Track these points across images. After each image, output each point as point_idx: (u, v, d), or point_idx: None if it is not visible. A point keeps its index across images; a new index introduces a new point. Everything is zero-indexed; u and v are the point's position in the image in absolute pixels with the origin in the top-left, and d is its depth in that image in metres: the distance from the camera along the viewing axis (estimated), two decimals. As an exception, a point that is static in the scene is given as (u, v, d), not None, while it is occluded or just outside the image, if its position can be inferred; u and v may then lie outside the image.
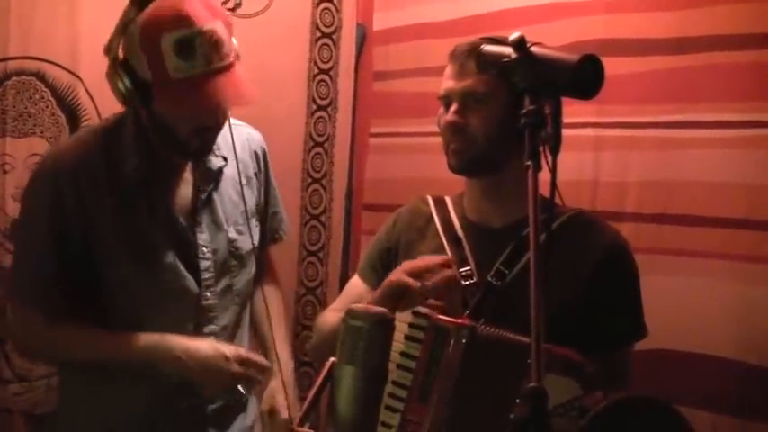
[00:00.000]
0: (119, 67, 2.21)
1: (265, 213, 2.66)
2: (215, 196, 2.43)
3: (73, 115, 3.22)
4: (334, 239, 3.83)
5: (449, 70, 2.19)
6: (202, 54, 2.13)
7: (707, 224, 2.67)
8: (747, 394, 2.59)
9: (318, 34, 3.74)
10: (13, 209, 3.14)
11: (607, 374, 2.03)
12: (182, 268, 2.36)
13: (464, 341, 1.98)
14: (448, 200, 2.35)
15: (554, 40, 2.64)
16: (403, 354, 2.04)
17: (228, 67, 2.20)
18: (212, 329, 2.43)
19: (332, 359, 1.86)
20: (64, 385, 2.54)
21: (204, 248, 2.40)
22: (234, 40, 2.26)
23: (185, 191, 2.40)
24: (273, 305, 2.65)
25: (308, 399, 1.86)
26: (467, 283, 2.16)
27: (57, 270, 2.29)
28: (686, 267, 2.71)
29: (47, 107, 3.18)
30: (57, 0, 3.19)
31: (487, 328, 1.99)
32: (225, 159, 2.45)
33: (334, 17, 3.77)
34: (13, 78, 3.13)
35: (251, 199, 2.55)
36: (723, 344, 2.63)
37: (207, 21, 2.15)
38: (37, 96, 3.17)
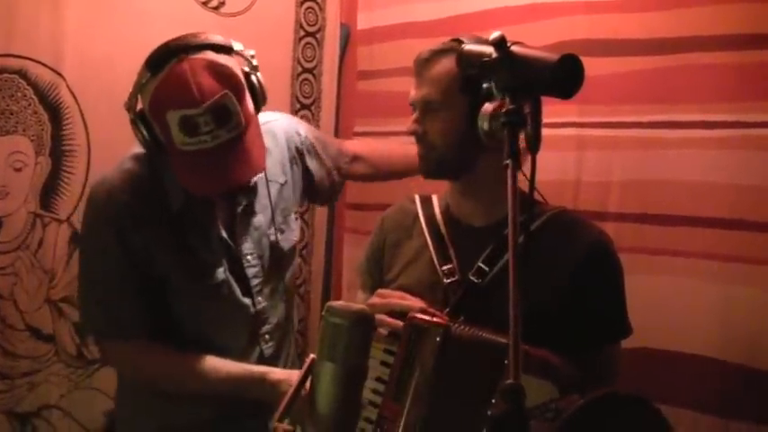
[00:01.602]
0: (139, 120, 2.26)
1: (328, 172, 2.77)
2: (254, 203, 2.48)
3: (55, 113, 3.21)
4: (318, 238, 3.83)
5: (413, 78, 2.23)
6: (207, 131, 2.15)
7: (689, 224, 2.68)
8: (729, 393, 2.60)
9: (302, 33, 3.74)
10: (-4, 206, 3.15)
11: (594, 374, 2.05)
12: (233, 282, 2.43)
13: (438, 340, 1.99)
14: (434, 198, 2.37)
15: (536, 40, 2.62)
16: (386, 351, 2.05)
17: (236, 138, 2.21)
18: (267, 329, 2.53)
19: (312, 356, 1.87)
20: (123, 385, 2.62)
21: (249, 257, 2.46)
22: (255, 88, 2.29)
23: (225, 205, 2.44)
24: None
25: (288, 395, 1.87)
26: (449, 281, 2.17)
27: (137, 300, 2.35)
28: (668, 267, 2.72)
29: (29, 105, 3.17)
30: (40, -3, 3.18)
31: (462, 327, 2.01)
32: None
33: (317, 16, 3.77)
34: (-5, 76, 3.12)
35: (290, 196, 2.60)
36: (705, 343, 2.64)
37: (213, 94, 2.16)
38: (19, 94, 3.15)
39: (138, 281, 2.34)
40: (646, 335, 2.51)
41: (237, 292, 2.44)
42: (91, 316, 2.46)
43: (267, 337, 2.53)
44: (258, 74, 2.32)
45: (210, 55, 2.23)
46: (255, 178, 2.44)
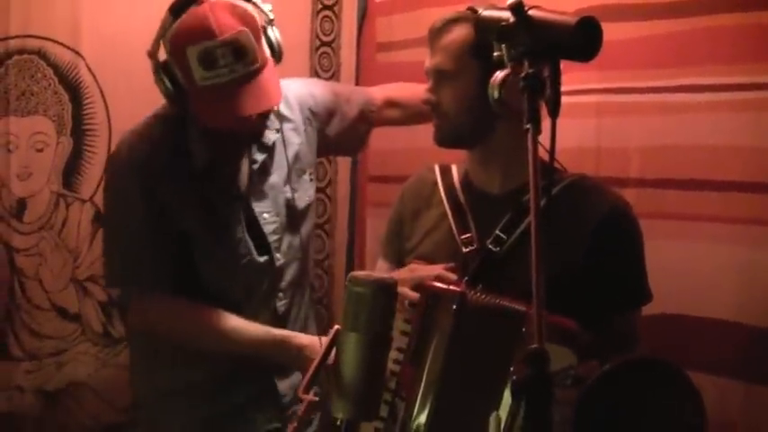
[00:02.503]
0: (161, 70, 2.34)
1: (352, 124, 2.84)
2: (270, 162, 2.57)
3: (75, 93, 3.24)
4: (341, 212, 3.83)
5: (428, 48, 2.26)
6: (225, 64, 2.26)
7: (709, 188, 2.66)
8: (751, 357, 2.58)
9: (320, 6, 3.73)
10: (18, 187, 3.17)
11: (614, 341, 2.05)
12: (250, 240, 2.52)
13: (454, 307, 2.00)
14: (454, 168, 2.39)
15: (556, 8, 2.62)
16: (406, 320, 2.05)
17: (254, 73, 2.31)
18: (282, 286, 2.61)
19: (336, 326, 1.87)
20: (136, 344, 2.73)
21: (266, 214, 2.55)
22: (271, 40, 2.39)
23: (244, 165, 2.55)
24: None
25: (313, 365, 1.88)
26: (467, 249, 2.18)
27: (161, 250, 2.45)
28: (689, 231, 2.70)
29: (49, 85, 3.19)
30: (57, -22, 3.19)
31: (479, 294, 2.01)
32: (278, 131, 2.56)
33: (334, -11, 3.77)
34: (15, 57, 3.14)
35: (304, 157, 2.68)
36: (727, 307, 2.62)
37: (231, 30, 2.27)
38: (39, 75, 3.18)
39: (162, 231, 2.43)
40: (666, 300, 2.50)
41: (254, 252, 2.52)
42: (116, 269, 2.55)
43: (281, 294, 2.61)
44: (275, 28, 2.41)
45: None
46: (273, 138, 2.54)
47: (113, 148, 3.19)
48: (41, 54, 3.18)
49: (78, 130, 3.24)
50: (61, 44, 3.20)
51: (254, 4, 2.41)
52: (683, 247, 2.70)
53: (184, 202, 2.44)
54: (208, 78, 2.26)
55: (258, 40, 2.33)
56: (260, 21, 2.38)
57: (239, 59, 2.27)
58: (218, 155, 2.47)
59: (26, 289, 3.20)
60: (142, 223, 2.43)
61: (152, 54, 2.36)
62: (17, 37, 3.14)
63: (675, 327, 2.69)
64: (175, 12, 2.32)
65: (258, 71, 2.32)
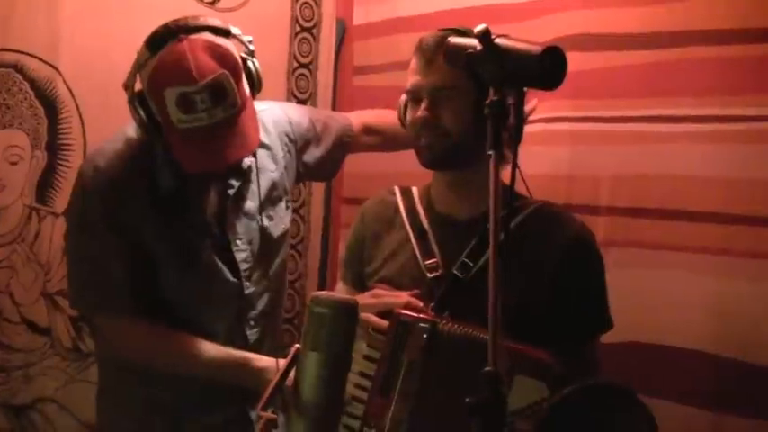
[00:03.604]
0: (136, 101, 2.31)
1: (328, 151, 2.82)
2: (245, 189, 2.53)
3: (51, 108, 3.22)
4: (314, 233, 3.84)
5: (415, 64, 2.22)
6: (204, 108, 2.22)
7: (682, 218, 2.67)
8: (723, 387, 2.59)
9: (298, 28, 3.75)
10: (-6, 198, 3.16)
11: (576, 368, 2.06)
12: (220, 265, 2.48)
13: (425, 336, 1.99)
14: (414, 190, 2.37)
15: (530, 37, 2.64)
16: (369, 345, 2.05)
17: (232, 117, 2.27)
18: (253, 315, 2.57)
19: (296, 345, 1.88)
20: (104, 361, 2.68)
21: (238, 241, 2.51)
22: (251, 72, 2.36)
23: (217, 189, 2.50)
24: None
25: (272, 384, 1.88)
26: (432, 275, 2.18)
27: (125, 274, 2.39)
28: (661, 261, 2.71)
29: (25, 99, 3.19)
30: (36, -8, 3.19)
31: (450, 323, 2.01)
32: (254, 155, 2.52)
33: (313, 11, 3.78)
34: (-8, 70, 3.13)
35: (281, 184, 2.65)
36: (699, 337, 2.63)
37: (210, 73, 2.23)
38: (15, 89, 3.17)
39: (126, 255, 2.38)
40: (638, 329, 2.51)
41: (225, 273, 2.48)
42: (80, 291, 2.50)
43: (252, 323, 2.57)
44: (255, 60, 2.38)
45: (209, 36, 2.29)
46: (248, 162, 2.50)
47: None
48: (18, 68, 3.17)
49: (53, 145, 3.23)
50: (39, 59, 3.19)
51: (234, 36, 2.37)
52: (654, 276, 2.71)
53: (150, 226, 2.39)
54: (185, 122, 2.23)
55: (238, 80, 2.29)
56: (240, 53, 2.35)
57: (218, 104, 2.23)
58: (186, 183, 2.42)
59: (-4, 302, 3.19)
60: (105, 246, 2.38)
61: (127, 86, 2.32)
62: (-6, 50, 3.14)
63: (647, 355, 2.70)
64: (152, 46, 2.28)
65: (238, 114, 2.28)
